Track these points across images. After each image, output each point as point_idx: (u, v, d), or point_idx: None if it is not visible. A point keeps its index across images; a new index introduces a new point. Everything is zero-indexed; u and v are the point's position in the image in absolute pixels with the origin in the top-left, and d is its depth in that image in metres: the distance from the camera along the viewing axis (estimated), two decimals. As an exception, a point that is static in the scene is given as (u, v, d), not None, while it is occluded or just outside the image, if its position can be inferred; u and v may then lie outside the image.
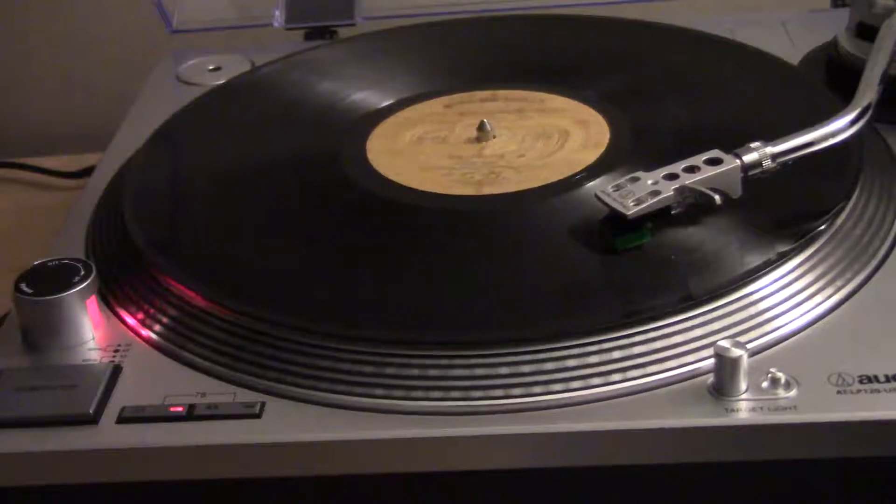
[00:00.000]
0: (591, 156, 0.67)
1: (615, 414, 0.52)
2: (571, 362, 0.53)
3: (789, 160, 0.60)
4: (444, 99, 0.76)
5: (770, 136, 0.60)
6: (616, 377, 0.53)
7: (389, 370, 0.54)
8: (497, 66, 0.80)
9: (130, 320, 0.60)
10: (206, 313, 0.58)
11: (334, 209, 0.66)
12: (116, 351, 0.58)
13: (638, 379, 0.53)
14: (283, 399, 0.54)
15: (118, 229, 0.66)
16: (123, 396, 0.55)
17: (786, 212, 0.60)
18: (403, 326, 0.56)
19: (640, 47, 0.80)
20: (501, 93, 0.75)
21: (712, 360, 0.52)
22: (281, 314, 0.57)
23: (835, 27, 0.77)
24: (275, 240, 0.64)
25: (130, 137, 0.78)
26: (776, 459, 0.51)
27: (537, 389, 0.53)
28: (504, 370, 0.53)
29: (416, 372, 0.54)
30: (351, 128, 0.73)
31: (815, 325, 0.55)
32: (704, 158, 0.59)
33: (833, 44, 0.76)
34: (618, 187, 0.59)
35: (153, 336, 0.59)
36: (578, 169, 0.65)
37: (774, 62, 0.76)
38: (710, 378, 0.53)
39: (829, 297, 0.57)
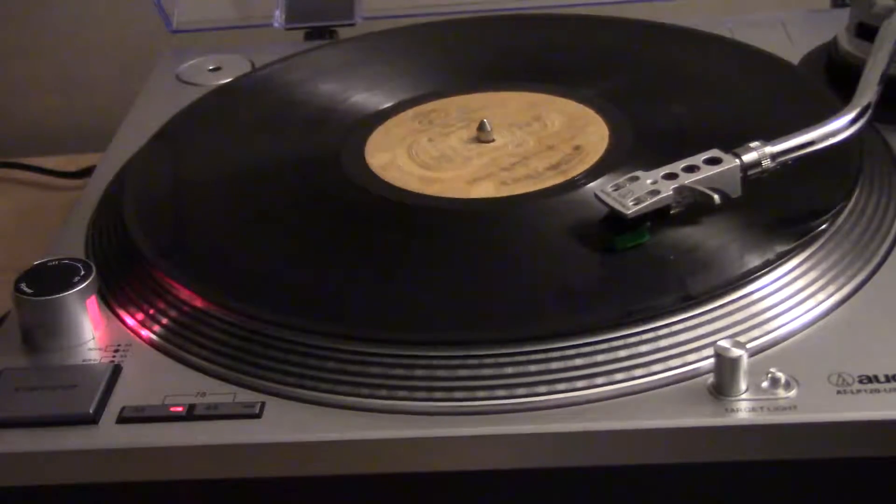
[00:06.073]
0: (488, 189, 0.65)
1: (615, 414, 0.52)
2: (571, 362, 0.53)
3: (789, 160, 0.60)
4: (445, 101, 0.76)
5: (770, 136, 0.60)
6: (616, 377, 0.53)
7: (389, 370, 0.54)
8: (497, 66, 0.80)
9: (130, 320, 0.60)
10: (206, 313, 0.58)
11: (334, 210, 0.66)
12: (116, 351, 0.58)
13: (638, 379, 0.53)
14: (283, 399, 0.54)
15: (118, 229, 0.66)
16: (123, 396, 0.55)
17: (786, 211, 0.60)
18: (403, 326, 0.56)
19: (640, 47, 0.80)
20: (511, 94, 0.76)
21: (712, 360, 0.52)
22: (281, 314, 0.57)
23: (835, 27, 0.77)
24: (275, 240, 0.64)
25: (130, 137, 0.78)
26: (776, 459, 0.51)
27: (537, 389, 0.53)
28: (503, 370, 0.53)
29: (415, 372, 0.54)
30: (351, 129, 0.73)
31: (815, 325, 0.55)
32: (704, 158, 0.59)
33: (833, 44, 0.76)
34: (617, 187, 0.59)
35: (153, 336, 0.59)
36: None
37: (774, 62, 0.76)
38: (710, 378, 0.53)
39: (829, 296, 0.57)
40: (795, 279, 0.57)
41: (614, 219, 0.58)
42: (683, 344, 0.54)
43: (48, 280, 0.58)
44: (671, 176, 0.59)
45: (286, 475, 0.53)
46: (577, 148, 0.66)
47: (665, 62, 0.77)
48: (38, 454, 0.53)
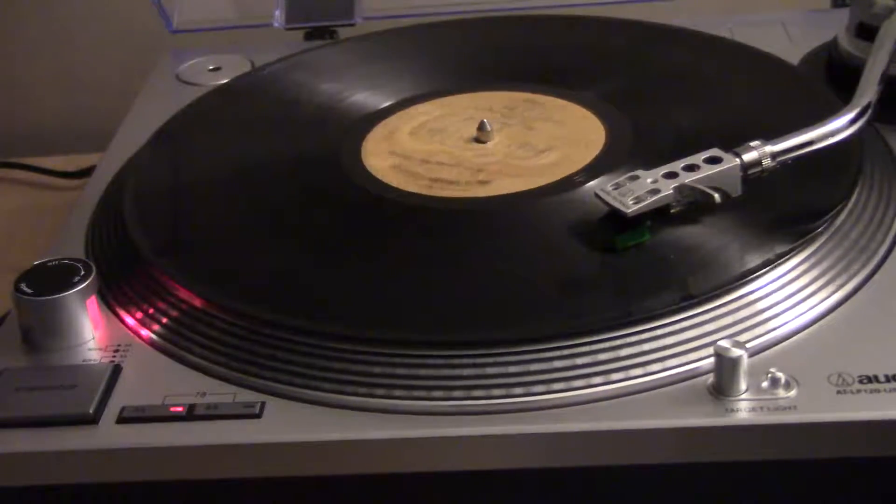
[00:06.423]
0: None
1: (615, 414, 0.52)
2: (571, 361, 0.53)
3: (789, 159, 0.60)
4: (445, 99, 0.76)
5: (770, 136, 0.60)
6: (616, 377, 0.53)
7: (389, 370, 0.54)
8: (497, 66, 0.80)
9: (130, 320, 0.60)
10: (205, 313, 0.58)
11: (334, 210, 0.66)
12: (116, 351, 0.58)
13: (638, 379, 0.53)
14: (283, 399, 0.54)
15: (118, 229, 0.66)
16: (123, 396, 0.55)
17: (785, 211, 0.60)
18: (403, 326, 0.56)
19: (640, 47, 0.80)
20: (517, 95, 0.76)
21: (712, 360, 0.52)
22: (281, 314, 0.57)
23: (835, 27, 0.77)
24: (274, 240, 0.64)
25: (130, 137, 0.78)
26: (776, 459, 0.51)
27: (537, 389, 0.53)
28: (503, 370, 0.53)
29: (415, 372, 0.54)
30: (351, 128, 0.73)
31: (815, 325, 0.55)
32: (704, 157, 0.59)
33: (833, 44, 0.76)
34: (617, 186, 0.59)
35: (153, 336, 0.59)
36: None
37: (774, 62, 0.76)
38: (710, 378, 0.53)
39: (829, 296, 0.57)
40: (795, 279, 0.57)
41: (614, 218, 0.58)
42: (683, 344, 0.54)
43: (48, 280, 0.58)
44: (671, 175, 0.59)
45: (286, 475, 0.53)
46: (481, 182, 0.66)
47: (665, 62, 0.77)
48: (38, 454, 0.53)
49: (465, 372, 0.53)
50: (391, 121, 0.73)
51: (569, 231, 0.60)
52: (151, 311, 0.60)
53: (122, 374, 0.57)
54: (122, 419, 0.54)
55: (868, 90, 0.63)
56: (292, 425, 0.53)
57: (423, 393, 0.53)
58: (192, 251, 0.64)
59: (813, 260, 0.58)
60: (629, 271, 0.58)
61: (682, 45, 0.79)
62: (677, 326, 0.54)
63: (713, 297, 0.55)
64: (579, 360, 0.53)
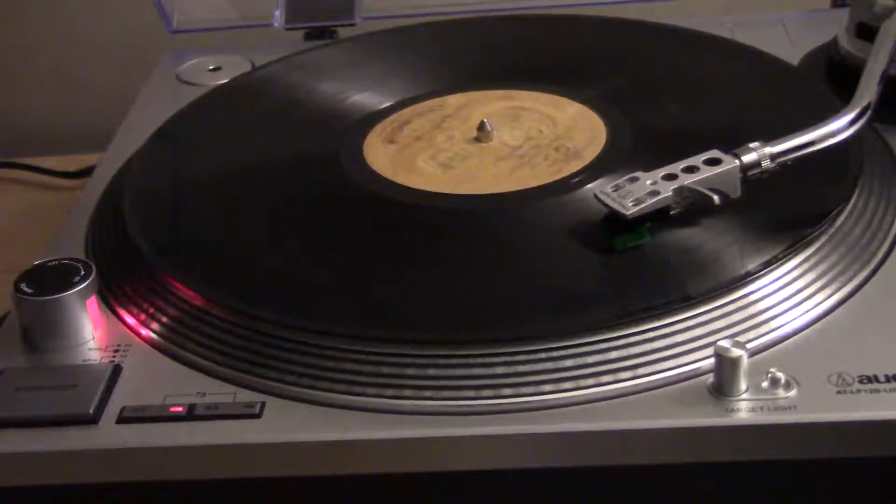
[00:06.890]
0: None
1: (615, 414, 0.52)
2: (571, 362, 0.53)
3: (789, 160, 0.60)
4: (444, 98, 0.76)
5: (769, 136, 0.60)
6: (616, 377, 0.53)
7: (389, 370, 0.54)
8: (497, 66, 0.80)
9: (130, 320, 0.60)
10: (206, 313, 0.58)
11: (334, 209, 0.66)
12: (116, 351, 0.58)
13: (638, 379, 0.53)
14: (283, 399, 0.54)
15: (118, 229, 0.66)
16: (123, 396, 0.55)
17: (785, 212, 0.60)
18: (402, 326, 0.56)
19: (640, 47, 0.80)
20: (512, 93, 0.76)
21: (712, 360, 0.52)
22: (281, 314, 0.57)
23: (835, 27, 0.77)
24: (275, 240, 0.64)
25: (130, 137, 0.78)
26: (776, 459, 0.51)
27: (537, 389, 0.53)
28: (503, 370, 0.53)
29: (415, 371, 0.54)
30: (351, 128, 0.73)
31: (815, 325, 0.55)
32: (703, 159, 0.59)
33: (833, 44, 0.76)
34: (617, 187, 0.59)
35: (153, 336, 0.59)
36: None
37: (774, 62, 0.76)
38: (710, 378, 0.53)
39: (829, 297, 0.57)
40: (795, 279, 0.57)
41: (614, 219, 0.58)
42: (683, 344, 0.54)
43: (48, 280, 0.58)
44: (671, 177, 0.59)
45: (286, 475, 0.53)
46: (391, 141, 0.69)
47: (665, 62, 0.77)
48: (38, 454, 0.53)
49: (465, 372, 0.53)
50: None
51: (569, 232, 0.60)
52: (151, 310, 0.60)
53: (122, 374, 0.57)
54: (122, 419, 0.54)
55: (868, 90, 0.63)
56: (292, 425, 0.53)
57: (423, 393, 0.53)
58: (192, 251, 0.64)
59: (813, 260, 0.58)
60: (629, 272, 0.58)
61: (682, 45, 0.79)
62: (677, 326, 0.54)
63: (713, 297, 0.55)
64: (579, 360, 0.53)
